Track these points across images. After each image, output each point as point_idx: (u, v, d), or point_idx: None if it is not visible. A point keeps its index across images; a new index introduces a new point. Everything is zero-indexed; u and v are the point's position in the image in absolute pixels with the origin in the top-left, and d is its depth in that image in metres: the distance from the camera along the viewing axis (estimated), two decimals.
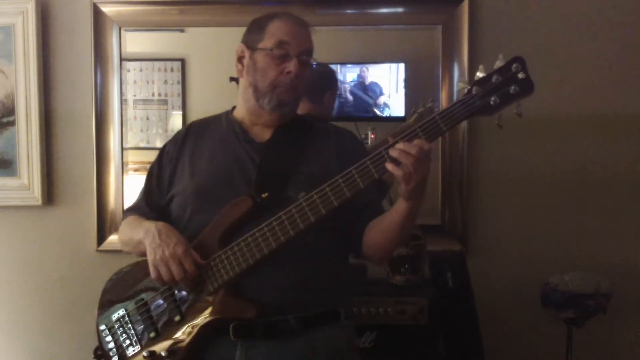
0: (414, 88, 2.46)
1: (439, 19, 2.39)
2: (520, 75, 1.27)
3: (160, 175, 1.56)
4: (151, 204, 1.57)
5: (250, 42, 1.50)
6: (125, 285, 1.52)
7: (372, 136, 2.46)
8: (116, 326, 1.48)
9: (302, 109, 2.18)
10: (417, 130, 1.27)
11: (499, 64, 1.28)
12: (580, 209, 2.39)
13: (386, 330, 1.97)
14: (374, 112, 2.49)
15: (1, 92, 2.45)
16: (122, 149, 2.48)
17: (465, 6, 2.35)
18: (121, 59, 2.47)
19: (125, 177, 2.49)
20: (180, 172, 1.52)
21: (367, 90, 2.49)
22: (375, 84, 2.48)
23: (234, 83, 2.58)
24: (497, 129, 2.37)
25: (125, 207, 2.47)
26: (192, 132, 1.58)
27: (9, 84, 2.44)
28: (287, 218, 1.32)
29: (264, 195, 1.38)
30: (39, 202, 2.45)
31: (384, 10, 2.43)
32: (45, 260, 2.50)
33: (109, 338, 1.49)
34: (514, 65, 1.27)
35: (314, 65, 1.52)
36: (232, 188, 1.42)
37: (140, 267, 1.47)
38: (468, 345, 2.06)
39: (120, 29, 2.46)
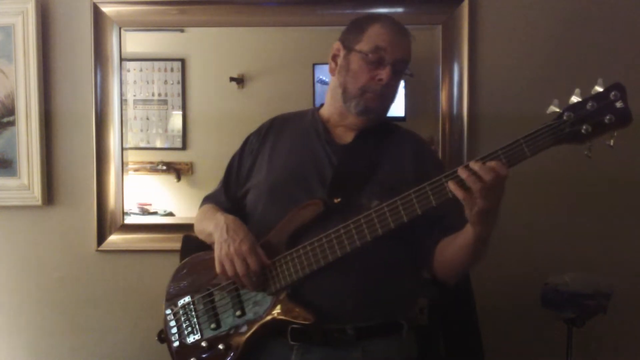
0: (414, 88, 2.46)
1: (439, 19, 2.39)
2: (618, 105, 1.17)
3: (240, 166, 1.57)
4: (229, 194, 1.58)
5: (347, 41, 1.48)
6: (194, 273, 1.53)
7: None
8: (180, 312, 1.51)
9: None
10: (499, 152, 1.20)
11: (597, 89, 1.19)
12: (580, 209, 2.39)
13: None
14: None
15: (1, 92, 2.45)
16: (122, 149, 2.48)
17: (465, 6, 2.35)
18: (121, 59, 2.47)
19: (125, 177, 2.49)
20: (259, 165, 1.52)
21: None
22: None
23: (234, 83, 2.60)
24: (497, 128, 2.37)
25: (126, 207, 2.49)
26: (275, 125, 1.58)
27: (9, 84, 2.44)
28: (355, 227, 1.30)
29: (336, 200, 1.37)
30: (39, 202, 2.45)
31: (384, 10, 2.42)
32: (45, 260, 2.50)
33: (172, 323, 1.52)
34: (613, 93, 1.18)
35: (408, 75, 1.49)
36: (305, 188, 1.42)
37: (210, 258, 1.47)
38: (468, 345, 2.06)
39: (120, 29, 2.46)
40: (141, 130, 2.59)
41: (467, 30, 2.36)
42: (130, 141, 2.55)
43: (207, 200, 1.64)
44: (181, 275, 1.56)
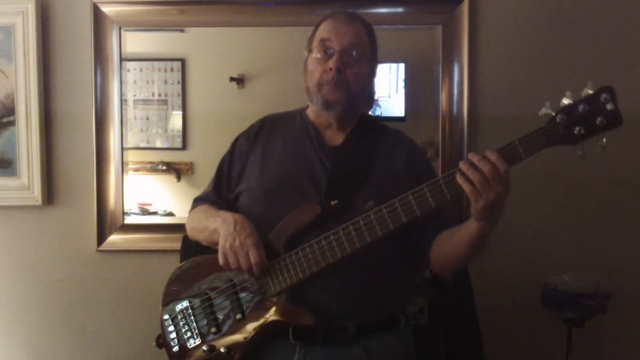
0: (414, 88, 2.46)
1: (439, 19, 2.39)
2: (609, 107, 1.21)
3: (230, 168, 1.57)
4: (221, 196, 1.58)
5: (308, 46, 1.52)
6: (191, 277, 1.53)
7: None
8: (179, 317, 1.50)
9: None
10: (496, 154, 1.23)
11: (587, 91, 1.22)
12: (580, 209, 2.39)
13: None
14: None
15: (1, 92, 2.45)
16: (122, 149, 2.48)
17: (465, 6, 2.35)
18: (121, 59, 2.47)
19: (125, 177, 2.49)
20: (250, 168, 1.52)
21: None
22: None
23: (234, 83, 2.60)
24: (497, 129, 2.37)
25: (126, 207, 2.48)
26: (266, 127, 1.58)
27: (9, 84, 2.44)
28: (354, 229, 1.31)
29: (333, 203, 1.38)
30: (39, 202, 2.45)
31: (384, 10, 2.43)
32: (45, 260, 2.50)
33: (171, 328, 1.52)
34: (604, 96, 1.21)
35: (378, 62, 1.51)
36: (300, 192, 1.43)
37: (207, 262, 1.48)
38: (468, 345, 2.06)
39: (120, 29, 2.46)
40: (141, 130, 2.59)
41: (467, 30, 2.36)
42: (130, 141, 2.55)
43: (199, 201, 1.63)
44: (177, 279, 1.56)
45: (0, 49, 2.43)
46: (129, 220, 2.49)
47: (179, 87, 2.57)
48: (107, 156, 2.47)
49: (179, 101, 2.58)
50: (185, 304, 1.50)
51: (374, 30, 1.55)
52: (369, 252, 1.34)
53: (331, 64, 1.43)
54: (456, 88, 2.38)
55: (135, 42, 2.51)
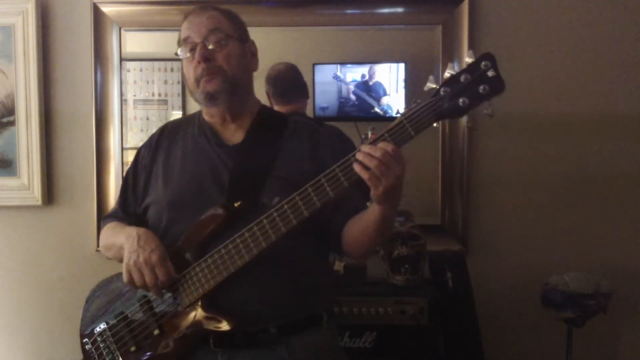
0: (414, 88, 2.46)
1: (439, 19, 2.39)
2: (490, 74, 1.18)
3: (135, 182, 1.53)
4: (128, 212, 1.54)
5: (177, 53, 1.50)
6: (106, 298, 1.50)
7: (372, 136, 2.45)
8: (98, 340, 1.48)
9: (291, 108, 2.19)
10: (385, 135, 1.22)
11: (467, 61, 1.20)
12: (580, 209, 2.39)
13: (386, 330, 1.97)
14: (377, 113, 2.49)
15: (1, 92, 2.45)
16: (122, 149, 2.48)
17: (465, 6, 2.36)
18: (121, 59, 2.47)
19: None
20: (154, 179, 1.48)
21: (370, 91, 2.48)
22: (379, 84, 2.48)
23: None
24: (497, 129, 2.37)
25: None
26: (165, 135, 1.54)
27: (9, 84, 2.44)
28: (259, 229, 1.29)
29: (236, 205, 1.34)
30: (39, 202, 2.45)
31: (384, 10, 2.43)
32: (45, 260, 2.50)
33: (92, 352, 1.49)
34: (483, 63, 1.19)
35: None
36: (206, 197, 1.39)
37: (120, 280, 1.44)
38: (468, 345, 2.06)
39: (120, 29, 2.46)
40: (141, 130, 2.59)
41: (467, 30, 2.36)
42: (130, 141, 2.54)
43: (107, 219, 1.60)
44: (93, 303, 1.53)
45: (0, 49, 2.43)
46: None
47: (179, 87, 2.57)
48: (107, 156, 2.47)
49: (179, 101, 2.58)
50: (102, 325, 1.47)
51: (235, 13, 1.51)
52: (284, 250, 1.32)
53: (196, 55, 1.41)
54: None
55: (135, 42, 2.51)
